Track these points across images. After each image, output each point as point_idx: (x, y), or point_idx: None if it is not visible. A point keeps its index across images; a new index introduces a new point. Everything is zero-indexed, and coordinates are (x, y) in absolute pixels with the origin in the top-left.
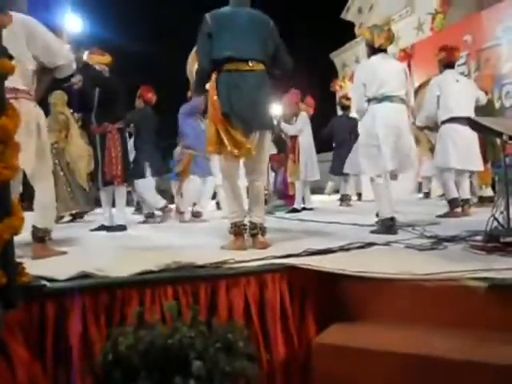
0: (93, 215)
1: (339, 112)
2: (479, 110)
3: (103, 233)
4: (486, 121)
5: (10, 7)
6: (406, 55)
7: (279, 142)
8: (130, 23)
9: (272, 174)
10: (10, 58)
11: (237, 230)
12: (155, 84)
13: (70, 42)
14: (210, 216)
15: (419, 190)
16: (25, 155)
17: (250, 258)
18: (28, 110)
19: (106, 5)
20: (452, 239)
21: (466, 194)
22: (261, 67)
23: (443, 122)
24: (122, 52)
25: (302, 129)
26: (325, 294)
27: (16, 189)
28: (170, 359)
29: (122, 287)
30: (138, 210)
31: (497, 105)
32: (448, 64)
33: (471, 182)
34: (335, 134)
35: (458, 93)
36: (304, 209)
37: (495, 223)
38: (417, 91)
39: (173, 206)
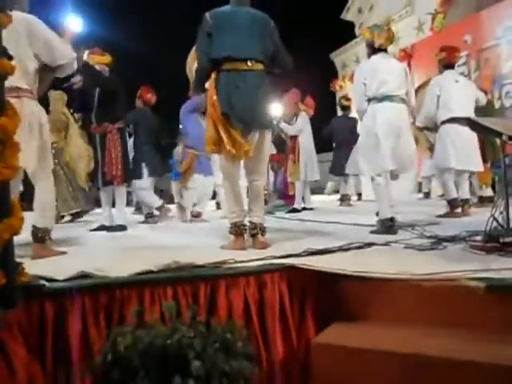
0: (92, 215)
1: (339, 112)
2: (479, 110)
3: (103, 233)
4: (485, 121)
5: (10, 7)
6: (406, 55)
7: (279, 142)
8: (131, 23)
9: (272, 174)
10: (10, 58)
11: (237, 230)
12: (155, 84)
13: (72, 42)
14: (210, 216)
15: (419, 190)
16: (27, 154)
17: (249, 258)
18: (30, 109)
19: (107, 5)
20: (452, 239)
21: (465, 194)
22: (260, 67)
23: (443, 123)
24: (122, 52)
25: (301, 129)
26: (324, 294)
27: (16, 188)
28: (169, 359)
29: (122, 287)
30: (138, 210)
31: (497, 105)
32: (448, 64)
33: (471, 182)
34: (335, 135)
35: (458, 93)
36: (304, 209)
37: (495, 223)
38: (416, 91)
39: (171, 206)
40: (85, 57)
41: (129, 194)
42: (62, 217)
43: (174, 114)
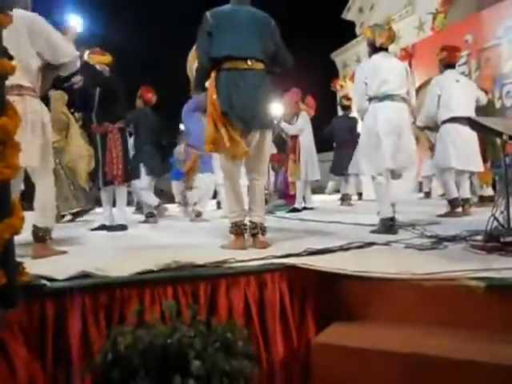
0: (93, 215)
1: (340, 112)
2: (479, 109)
3: (104, 232)
4: (485, 121)
5: (10, 6)
6: (407, 55)
7: (280, 141)
8: (131, 23)
9: (272, 174)
10: (11, 58)
11: (237, 229)
12: (155, 84)
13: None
14: (211, 215)
15: (420, 189)
16: (29, 153)
17: (249, 257)
18: (33, 108)
19: (106, 4)
20: (452, 239)
21: (466, 193)
22: (260, 66)
23: (443, 122)
24: (122, 51)
25: (302, 128)
26: (325, 294)
27: (17, 188)
28: (169, 359)
29: (122, 287)
30: (139, 209)
31: (497, 105)
32: (449, 64)
33: (471, 182)
34: (335, 134)
35: (459, 93)
36: (305, 208)
37: (495, 223)
38: (417, 91)
39: (171, 205)
40: (85, 57)
41: (129, 193)
42: (63, 216)
43: (174, 113)
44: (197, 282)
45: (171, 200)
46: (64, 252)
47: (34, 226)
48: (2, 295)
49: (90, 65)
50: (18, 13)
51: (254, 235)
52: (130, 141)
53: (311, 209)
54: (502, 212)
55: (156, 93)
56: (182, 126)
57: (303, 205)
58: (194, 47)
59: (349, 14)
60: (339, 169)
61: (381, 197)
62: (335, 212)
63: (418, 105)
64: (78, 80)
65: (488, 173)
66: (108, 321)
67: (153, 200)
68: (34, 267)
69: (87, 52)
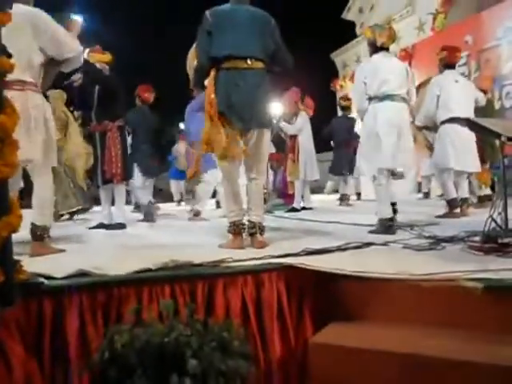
0: (91, 213)
1: (339, 112)
2: (479, 110)
3: (102, 231)
4: (484, 122)
5: (10, 4)
6: (407, 55)
7: (278, 141)
8: (131, 22)
9: (271, 173)
10: (9, 56)
11: (235, 229)
12: (156, 83)
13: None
14: (210, 215)
15: (419, 190)
16: (32, 146)
17: (247, 257)
18: (35, 102)
19: (107, 4)
20: (450, 240)
21: (464, 193)
22: (260, 65)
23: (442, 122)
24: (122, 51)
25: (301, 128)
26: (322, 294)
27: (16, 185)
28: (166, 357)
29: (120, 285)
30: (138, 208)
31: (497, 106)
32: (449, 64)
33: (470, 182)
34: (334, 135)
35: (458, 93)
36: (303, 208)
37: (493, 224)
38: (417, 90)
39: (170, 205)
40: (85, 55)
41: (128, 192)
42: (62, 215)
43: (174, 112)
44: (194, 281)
45: (170, 199)
46: (62, 250)
47: (33, 224)
48: (0, 293)
49: (89, 63)
50: (20, 8)
51: (252, 235)
52: (128, 140)
53: (310, 209)
54: (499, 213)
55: (155, 91)
56: (181, 125)
57: (302, 204)
58: (194, 45)
59: (349, 14)
60: (338, 169)
61: (380, 197)
62: (334, 212)
63: (417, 104)
64: (77, 78)
65: (487, 174)
66: (106, 319)
67: (144, 199)
68: (32, 265)
69: (87, 50)
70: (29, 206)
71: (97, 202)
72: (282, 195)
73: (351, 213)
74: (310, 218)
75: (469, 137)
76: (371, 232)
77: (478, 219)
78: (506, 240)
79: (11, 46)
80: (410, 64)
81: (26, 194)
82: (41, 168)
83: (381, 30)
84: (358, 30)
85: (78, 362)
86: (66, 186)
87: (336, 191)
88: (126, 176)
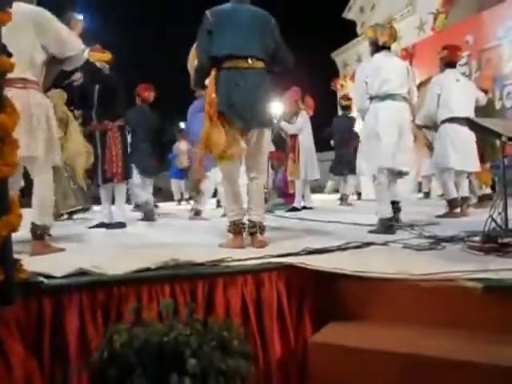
0: (92, 212)
1: (340, 112)
2: (479, 110)
3: (102, 230)
4: (485, 122)
5: (10, 3)
6: (407, 55)
7: (279, 140)
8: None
9: (272, 173)
10: (10, 55)
11: (235, 228)
12: (156, 83)
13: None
14: (210, 214)
15: (419, 189)
16: (34, 143)
17: (247, 256)
18: (37, 101)
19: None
20: (450, 239)
21: (465, 192)
22: (260, 65)
23: (443, 122)
24: (122, 50)
25: (301, 128)
26: (322, 293)
27: (17, 184)
28: (166, 357)
29: (120, 285)
30: (138, 207)
31: (497, 106)
32: (449, 63)
33: (470, 181)
34: (335, 134)
35: (459, 92)
36: (304, 208)
37: (493, 224)
38: (418, 88)
39: (170, 204)
40: (85, 54)
41: (128, 191)
42: (62, 215)
43: (174, 111)
44: (194, 280)
45: (170, 198)
46: (62, 249)
47: (33, 223)
48: (0, 292)
49: (89, 62)
50: (22, 7)
51: (252, 234)
52: (128, 138)
53: (310, 208)
54: (499, 213)
55: (156, 91)
56: (181, 124)
57: (302, 204)
58: (195, 45)
59: (349, 14)
60: (339, 168)
61: (381, 197)
62: (334, 212)
63: (417, 103)
64: (78, 77)
65: (487, 173)
66: (105, 318)
67: (140, 198)
68: (32, 264)
69: (87, 49)
70: (29, 205)
71: (96, 201)
72: (283, 195)
73: (351, 212)
74: (311, 218)
75: (469, 136)
76: (371, 232)
77: (478, 219)
78: (505, 240)
79: (13, 44)
80: (410, 64)
81: (26, 193)
82: (42, 167)
83: (382, 29)
84: (358, 30)
85: (77, 361)
86: (67, 185)
87: (336, 191)
88: (127, 175)
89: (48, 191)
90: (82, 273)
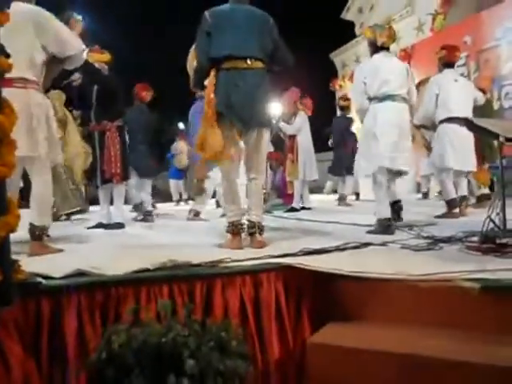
0: (90, 213)
1: (339, 112)
2: (477, 110)
3: (101, 230)
4: (483, 122)
5: (8, 3)
6: (406, 55)
7: (277, 140)
8: (131, 22)
9: (271, 173)
10: (8, 56)
11: (234, 228)
12: (156, 83)
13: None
14: (209, 215)
15: (418, 190)
16: (34, 142)
17: (246, 257)
18: (37, 101)
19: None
20: (448, 240)
21: (463, 191)
22: (260, 65)
23: (441, 122)
24: (122, 51)
25: (300, 128)
26: (321, 294)
27: (16, 183)
28: (164, 357)
29: (118, 285)
30: (136, 207)
31: (496, 106)
32: (448, 63)
33: (469, 181)
34: (334, 134)
35: (457, 92)
36: (303, 208)
37: (491, 224)
38: (416, 88)
39: (170, 204)
40: (84, 54)
41: (127, 192)
42: (60, 215)
43: (174, 112)
44: (193, 281)
45: (168, 199)
46: (60, 250)
47: (31, 224)
48: None
49: (88, 63)
50: (21, 6)
51: (251, 234)
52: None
53: (309, 209)
54: (497, 213)
55: (154, 90)
56: (180, 124)
57: (301, 204)
58: (194, 46)
59: (348, 14)
60: (337, 169)
61: (379, 197)
62: (333, 212)
63: (416, 103)
64: (76, 78)
65: (485, 174)
66: (104, 319)
67: (137, 198)
68: (30, 265)
69: (86, 50)
70: (28, 206)
71: (95, 201)
72: (282, 195)
73: (350, 213)
74: (309, 218)
75: (467, 136)
76: (370, 232)
77: (477, 219)
78: (503, 240)
79: (12, 44)
80: (408, 64)
81: (26, 194)
82: (41, 167)
83: (381, 30)
84: (357, 30)
85: (75, 361)
86: (65, 186)
87: (335, 191)
88: (126, 176)
89: (47, 192)
90: (81, 273)
